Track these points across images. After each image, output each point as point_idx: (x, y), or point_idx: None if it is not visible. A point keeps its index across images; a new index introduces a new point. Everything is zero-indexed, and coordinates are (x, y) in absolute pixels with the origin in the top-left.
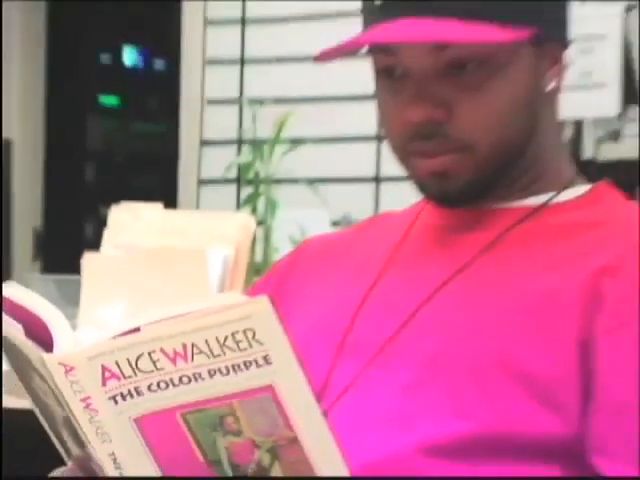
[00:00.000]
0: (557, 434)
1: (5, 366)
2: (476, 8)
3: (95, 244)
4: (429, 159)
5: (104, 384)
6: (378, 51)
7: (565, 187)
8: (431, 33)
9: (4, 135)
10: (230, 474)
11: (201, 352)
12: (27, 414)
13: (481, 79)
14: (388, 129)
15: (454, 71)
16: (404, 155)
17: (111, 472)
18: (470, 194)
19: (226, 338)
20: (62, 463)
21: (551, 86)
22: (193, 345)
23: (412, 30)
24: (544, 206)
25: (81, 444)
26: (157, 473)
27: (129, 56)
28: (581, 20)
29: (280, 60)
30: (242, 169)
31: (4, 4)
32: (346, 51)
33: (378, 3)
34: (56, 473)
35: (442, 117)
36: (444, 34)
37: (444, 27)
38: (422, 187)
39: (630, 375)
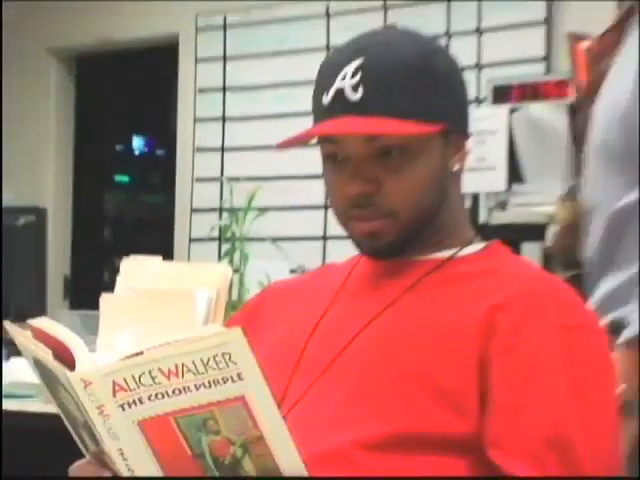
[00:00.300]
0: (462, 433)
1: (9, 378)
2: (399, 109)
3: (110, 287)
4: (363, 223)
5: (114, 395)
6: (325, 141)
7: (466, 244)
8: (366, 128)
9: (40, 205)
10: (212, 465)
11: (189, 370)
12: (26, 416)
13: (403, 162)
14: (332, 200)
15: (382, 156)
16: (345, 220)
17: (119, 463)
18: (395, 249)
19: (208, 359)
20: (54, 462)
21: (456, 168)
22: (183, 365)
23: (351, 125)
24: (451, 258)
25: (96, 442)
26: (155, 465)
27: (137, 145)
28: (477, 119)
29: (251, 148)
30: (222, 230)
31: (42, 110)
32: (301, 141)
33: (325, 104)
34: (77, 464)
35: (373, 191)
36: (375, 129)
37: (375, 123)
38: (358, 244)
39: (517, 387)
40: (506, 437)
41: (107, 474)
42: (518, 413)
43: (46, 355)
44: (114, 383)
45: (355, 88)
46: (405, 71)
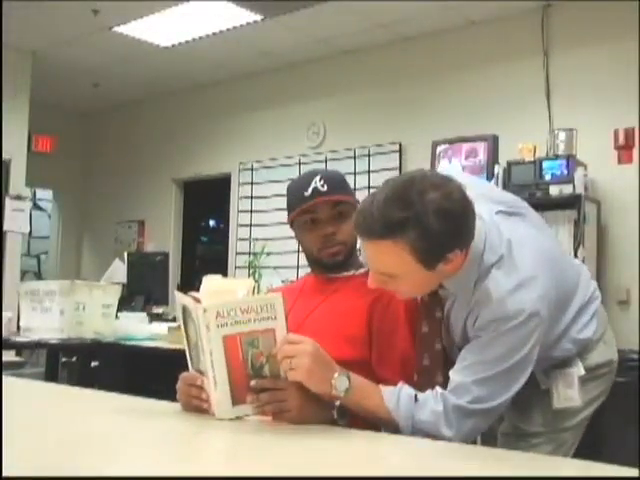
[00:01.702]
0: (361, 357)
1: (152, 331)
2: (341, 192)
3: (198, 289)
4: (330, 249)
5: (216, 318)
6: (305, 213)
7: (360, 268)
8: (332, 199)
9: (166, 250)
10: (249, 366)
11: (253, 310)
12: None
13: (346, 219)
14: (304, 245)
15: (337, 216)
16: (318, 250)
17: (207, 358)
18: (341, 266)
19: (263, 306)
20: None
21: None
22: (251, 307)
23: (325, 199)
24: (353, 274)
25: (198, 361)
26: (223, 360)
27: (212, 223)
28: None
29: (263, 225)
30: (250, 263)
31: (168, 209)
32: (295, 216)
33: (307, 195)
34: (185, 374)
35: (334, 232)
36: (334, 199)
37: (334, 198)
38: (320, 261)
39: (385, 335)
40: (382, 359)
41: (199, 380)
42: (386, 348)
43: (190, 300)
44: (217, 312)
45: (322, 186)
46: (340, 180)
